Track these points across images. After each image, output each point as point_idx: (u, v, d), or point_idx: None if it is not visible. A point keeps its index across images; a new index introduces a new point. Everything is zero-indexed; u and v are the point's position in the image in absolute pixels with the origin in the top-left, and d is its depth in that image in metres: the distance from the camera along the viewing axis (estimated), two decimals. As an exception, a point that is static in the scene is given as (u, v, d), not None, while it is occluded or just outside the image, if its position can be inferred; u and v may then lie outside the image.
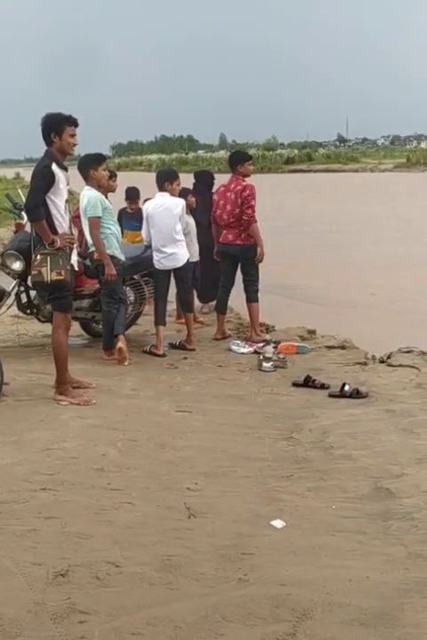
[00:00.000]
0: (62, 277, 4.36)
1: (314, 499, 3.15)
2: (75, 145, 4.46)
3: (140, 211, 6.86)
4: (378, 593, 2.38)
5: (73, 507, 3.01)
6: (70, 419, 4.14)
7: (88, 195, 5.49)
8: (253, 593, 2.37)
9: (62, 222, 4.41)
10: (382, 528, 2.86)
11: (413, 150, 58.06)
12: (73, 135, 4.41)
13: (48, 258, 4.33)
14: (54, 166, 4.32)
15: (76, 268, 4.74)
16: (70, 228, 4.56)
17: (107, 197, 5.82)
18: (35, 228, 4.45)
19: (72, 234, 4.59)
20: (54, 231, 4.35)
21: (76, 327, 6.01)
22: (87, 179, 5.52)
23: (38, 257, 4.38)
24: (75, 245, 4.63)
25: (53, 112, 4.42)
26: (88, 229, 5.50)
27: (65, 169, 4.46)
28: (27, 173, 28.02)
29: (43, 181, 4.33)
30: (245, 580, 2.45)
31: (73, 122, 4.41)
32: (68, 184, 4.51)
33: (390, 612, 2.26)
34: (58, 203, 4.37)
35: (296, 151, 62.57)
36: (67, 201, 4.50)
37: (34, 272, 4.46)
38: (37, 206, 4.34)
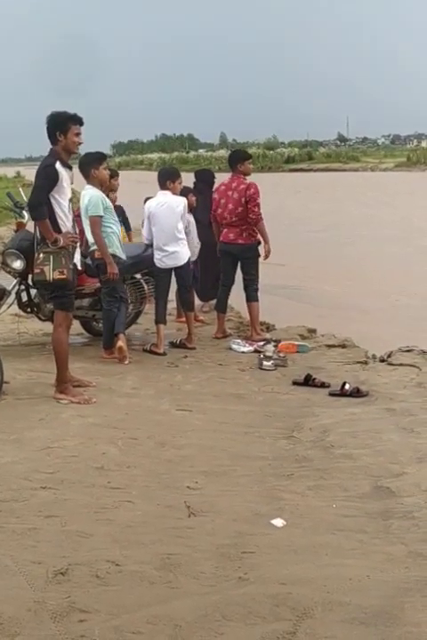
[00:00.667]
0: (65, 276, 4.35)
1: (314, 497, 3.14)
2: (80, 144, 4.47)
3: (118, 207, 6.86)
4: (378, 592, 2.37)
5: (73, 505, 3.00)
6: (70, 417, 4.14)
7: (89, 193, 5.48)
8: (253, 592, 2.37)
9: (66, 221, 4.41)
10: (382, 527, 2.86)
11: (413, 149, 58.04)
12: (78, 134, 4.41)
13: (51, 256, 4.33)
14: (58, 165, 4.32)
15: (79, 267, 4.75)
16: (73, 226, 4.56)
17: (108, 196, 5.82)
18: (38, 227, 4.44)
19: (75, 233, 4.59)
20: (57, 230, 4.35)
21: (76, 326, 6.00)
22: (88, 178, 5.52)
23: (41, 255, 4.37)
24: (78, 244, 4.63)
25: (58, 111, 4.42)
26: (89, 228, 5.50)
27: (69, 168, 4.46)
28: (27, 172, 28.05)
29: (46, 180, 4.33)
30: (246, 579, 2.45)
31: (78, 120, 4.41)
32: (71, 183, 4.51)
33: (390, 611, 2.26)
34: (61, 201, 4.37)
35: (297, 150, 62.49)
36: (70, 200, 4.50)
37: (36, 271, 4.46)
38: (41, 205, 4.33)
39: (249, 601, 2.31)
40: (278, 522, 2.89)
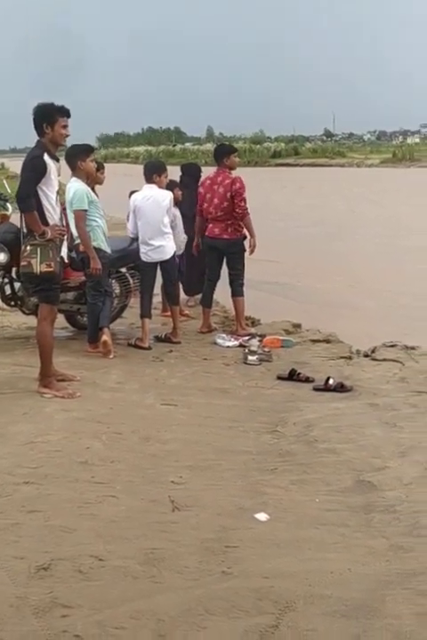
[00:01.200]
0: (52, 269, 4.33)
1: (298, 492, 3.16)
2: (67, 136, 4.44)
3: None
4: (360, 585, 2.40)
5: (56, 500, 2.99)
6: (54, 411, 4.12)
7: (74, 187, 5.45)
8: (236, 586, 2.38)
9: (53, 214, 4.38)
10: (364, 521, 2.88)
11: (398, 146, 58.31)
12: (65, 126, 4.37)
13: (38, 249, 4.30)
14: (46, 157, 4.29)
15: (66, 261, 4.72)
16: (61, 219, 4.53)
17: (94, 190, 5.79)
18: (25, 219, 4.41)
19: (63, 225, 4.57)
20: (45, 222, 4.32)
21: (60, 319, 5.96)
22: (75, 169, 5.49)
23: (28, 248, 4.34)
24: (65, 237, 4.60)
25: (45, 102, 4.38)
26: (74, 222, 5.47)
27: (56, 159, 4.43)
28: (12, 164, 27.76)
29: (33, 172, 4.29)
30: (229, 573, 2.46)
31: (65, 112, 4.38)
32: (59, 175, 4.48)
33: (371, 604, 2.28)
34: (49, 194, 4.34)
35: (283, 145, 62.45)
36: (57, 192, 4.47)
37: (23, 263, 4.42)
38: (29, 197, 4.29)
39: (232, 595, 2.32)
40: (262, 516, 2.90)
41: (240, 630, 2.15)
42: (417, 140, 69.13)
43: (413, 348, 5.69)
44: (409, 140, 67.07)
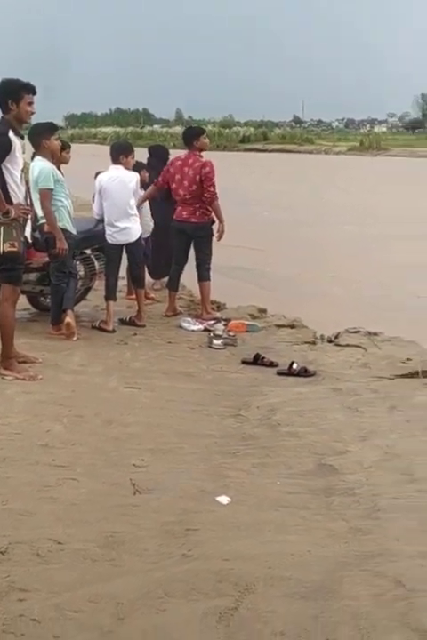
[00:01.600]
0: (16, 249, 4.24)
1: (259, 475, 3.18)
2: (32, 113, 4.34)
3: None
4: (319, 567, 2.43)
5: (15, 483, 2.95)
6: (15, 394, 4.05)
7: (39, 166, 5.33)
8: (196, 568, 2.38)
9: (18, 192, 4.28)
10: (324, 503, 2.92)
11: (366, 134, 58.90)
12: (31, 103, 4.28)
13: (2, 228, 4.21)
14: (11, 134, 4.18)
15: (30, 241, 4.63)
16: (26, 198, 4.43)
17: (59, 169, 5.68)
18: None
19: (27, 204, 4.47)
20: (9, 201, 4.22)
21: (22, 300, 5.85)
22: (39, 148, 5.37)
23: None
24: (29, 217, 4.51)
25: (11, 78, 4.27)
26: (39, 201, 5.35)
27: (21, 137, 4.34)
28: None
29: None
30: (189, 556, 2.46)
31: (31, 89, 4.29)
32: (23, 152, 4.38)
33: (329, 586, 2.31)
34: (14, 172, 4.24)
35: (252, 130, 62.35)
36: (22, 170, 4.37)
37: None
38: None
39: (192, 577, 2.32)
40: (223, 499, 2.91)
41: (199, 613, 2.16)
42: (384, 129, 70.14)
43: (375, 334, 5.78)
44: (376, 129, 67.93)
